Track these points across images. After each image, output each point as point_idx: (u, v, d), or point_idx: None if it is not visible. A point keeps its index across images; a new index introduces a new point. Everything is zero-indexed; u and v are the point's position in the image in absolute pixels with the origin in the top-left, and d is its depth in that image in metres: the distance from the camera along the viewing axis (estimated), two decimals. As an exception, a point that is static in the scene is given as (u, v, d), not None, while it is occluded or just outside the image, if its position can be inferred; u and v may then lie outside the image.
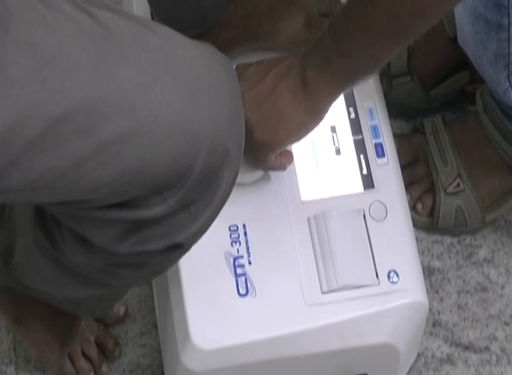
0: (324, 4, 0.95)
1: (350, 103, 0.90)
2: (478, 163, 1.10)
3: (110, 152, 0.62)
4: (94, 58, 0.61)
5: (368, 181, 0.86)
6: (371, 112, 0.91)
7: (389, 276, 0.81)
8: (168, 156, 0.64)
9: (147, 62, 0.64)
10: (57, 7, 0.61)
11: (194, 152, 0.64)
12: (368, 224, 0.83)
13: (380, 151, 0.87)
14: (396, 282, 0.81)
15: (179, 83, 0.65)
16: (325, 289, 0.80)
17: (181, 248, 0.73)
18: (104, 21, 0.64)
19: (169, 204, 0.67)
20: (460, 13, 0.97)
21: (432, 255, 1.08)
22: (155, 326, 1.00)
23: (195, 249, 0.73)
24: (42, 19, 0.60)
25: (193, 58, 0.67)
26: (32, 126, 0.59)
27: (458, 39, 1.03)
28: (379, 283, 0.80)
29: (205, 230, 0.74)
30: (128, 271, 0.75)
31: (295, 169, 0.86)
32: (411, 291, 0.82)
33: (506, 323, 1.04)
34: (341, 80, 0.77)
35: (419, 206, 1.08)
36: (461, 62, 1.14)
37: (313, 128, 0.80)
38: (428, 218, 1.09)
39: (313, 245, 0.82)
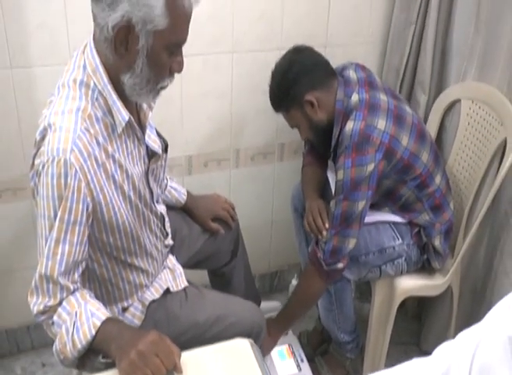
0: None
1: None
2: (334, 366, 2.00)
3: (226, 329, 1.31)
4: (218, 304, 1.36)
5: (299, 367, 1.91)
6: (299, 351, 1.98)
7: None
8: (246, 328, 1.33)
9: (228, 303, 1.39)
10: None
11: (252, 326, 1.35)
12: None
13: (302, 359, 1.94)
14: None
15: (245, 314, 1.35)
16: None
17: None
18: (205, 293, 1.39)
19: (251, 343, 1.16)
20: (321, 310, 1.86)
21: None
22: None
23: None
24: (199, 296, 1.37)
25: (242, 299, 1.46)
26: (202, 325, 1.31)
27: (322, 321, 1.89)
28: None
29: None
30: None
31: (274, 364, 1.93)
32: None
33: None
34: (283, 329, 1.78)
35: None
36: (327, 339, 2.03)
37: (276, 344, 1.80)
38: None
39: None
